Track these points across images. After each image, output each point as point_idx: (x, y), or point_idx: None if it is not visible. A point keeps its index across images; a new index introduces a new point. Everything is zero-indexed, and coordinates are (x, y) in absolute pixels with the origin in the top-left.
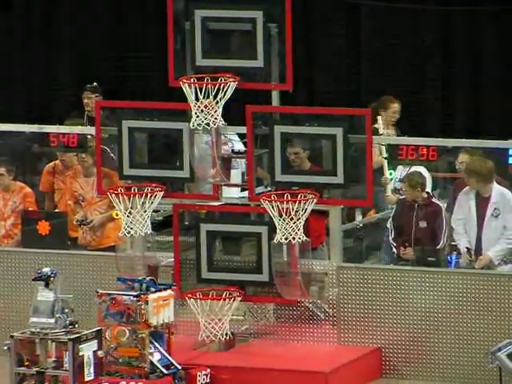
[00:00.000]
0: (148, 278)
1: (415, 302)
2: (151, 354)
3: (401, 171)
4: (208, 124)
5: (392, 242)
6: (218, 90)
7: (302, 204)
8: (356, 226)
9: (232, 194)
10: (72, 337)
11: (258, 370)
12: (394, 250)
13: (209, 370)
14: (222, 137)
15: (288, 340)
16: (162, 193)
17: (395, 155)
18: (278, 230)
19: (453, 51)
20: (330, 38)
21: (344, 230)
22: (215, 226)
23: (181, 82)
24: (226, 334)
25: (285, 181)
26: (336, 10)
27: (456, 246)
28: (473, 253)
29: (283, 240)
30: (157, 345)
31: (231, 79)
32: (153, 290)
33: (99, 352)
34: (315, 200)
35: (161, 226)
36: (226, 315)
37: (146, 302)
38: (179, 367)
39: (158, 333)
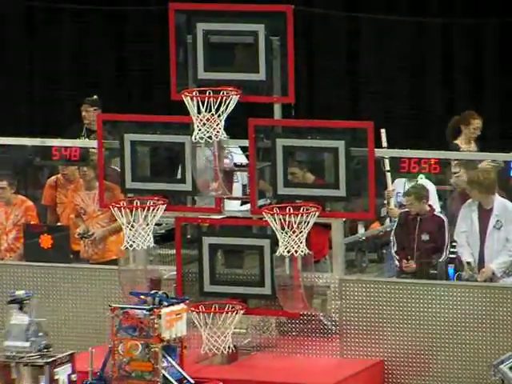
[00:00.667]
0: (160, 292)
1: (418, 315)
2: (164, 368)
3: (402, 185)
4: (210, 137)
5: (394, 254)
6: (220, 103)
7: (304, 217)
8: (359, 239)
9: (232, 207)
10: (48, 360)
11: (262, 383)
12: (397, 262)
13: None
14: (225, 150)
15: (291, 353)
16: (164, 206)
17: (397, 168)
18: (280, 243)
19: None
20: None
21: (346, 242)
22: (217, 239)
23: (183, 96)
24: (229, 347)
25: (287, 194)
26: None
27: (453, 258)
28: (473, 266)
29: (285, 253)
30: (170, 359)
31: (233, 92)
32: (165, 303)
33: (73, 375)
34: (317, 213)
35: (163, 239)
36: (228, 328)
37: (159, 316)
38: (192, 381)
39: (170, 347)
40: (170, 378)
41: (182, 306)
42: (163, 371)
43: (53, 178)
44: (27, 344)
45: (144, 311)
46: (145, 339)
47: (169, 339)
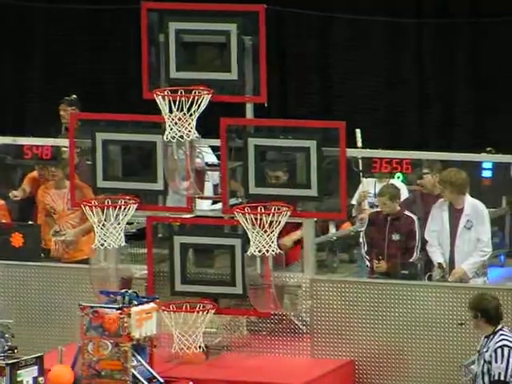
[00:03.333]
0: (131, 291)
1: (388, 315)
2: (134, 367)
3: (372, 185)
4: (182, 137)
5: (365, 255)
6: (192, 102)
7: (275, 216)
8: (330, 239)
9: (203, 206)
10: (9, 362)
11: (233, 382)
12: (368, 263)
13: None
14: (196, 150)
15: (261, 353)
16: (135, 205)
17: (369, 168)
18: (251, 243)
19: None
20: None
21: (318, 242)
22: (189, 238)
23: (155, 95)
24: (200, 347)
25: (259, 193)
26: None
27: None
28: (444, 266)
29: (257, 252)
30: (139, 358)
31: (205, 92)
32: (135, 302)
33: (40, 378)
34: (289, 212)
35: (135, 238)
36: (199, 328)
37: (129, 315)
38: (162, 380)
39: (140, 346)
40: (139, 377)
41: (151, 305)
42: (133, 370)
43: (34, 172)
44: None
45: (114, 310)
46: (114, 338)
47: (138, 338)
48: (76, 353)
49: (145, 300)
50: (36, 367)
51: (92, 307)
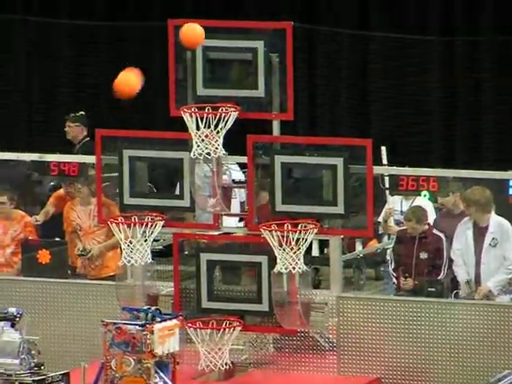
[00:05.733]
0: (153, 308)
1: (415, 333)
2: (156, 383)
3: (399, 202)
4: (209, 154)
5: (392, 272)
6: (219, 119)
7: (302, 234)
8: (356, 256)
9: (230, 223)
10: (36, 378)
11: None
12: (394, 280)
13: None
14: (223, 167)
15: (287, 370)
16: (162, 222)
17: (396, 186)
18: (278, 260)
19: None
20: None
21: (344, 259)
22: (215, 255)
23: (182, 112)
24: (226, 364)
25: (285, 210)
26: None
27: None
28: (473, 284)
29: (283, 270)
30: (162, 375)
31: (232, 109)
32: (158, 319)
33: None
34: (315, 230)
35: (161, 255)
36: (225, 345)
37: (152, 332)
38: None
39: (163, 363)
40: None
41: (174, 321)
42: None
43: (60, 190)
44: (17, 361)
45: (137, 327)
46: (137, 355)
47: (161, 355)
48: (99, 369)
49: (168, 317)
50: None
51: (115, 324)
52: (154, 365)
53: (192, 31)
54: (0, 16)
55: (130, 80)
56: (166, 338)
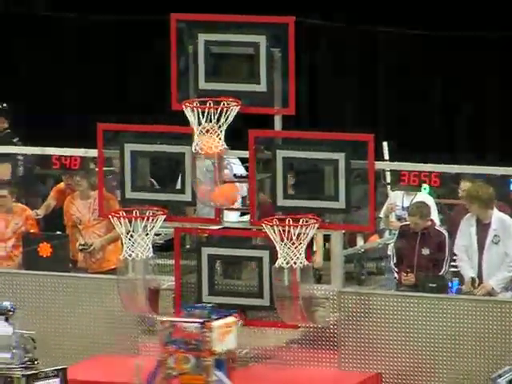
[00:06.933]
0: (210, 305)
1: (416, 328)
2: (214, 381)
3: (400, 198)
4: (210, 148)
5: (393, 267)
6: (221, 113)
7: (303, 229)
8: (358, 251)
9: (231, 217)
10: (26, 373)
11: None
12: (396, 275)
13: None
14: (224, 161)
15: (288, 364)
16: (163, 216)
17: (397, 181)
18: (279, 255)
19: None
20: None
21: (345, 254)
22: (216, 249)
23: (183, 106)
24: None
25: (287, 205)
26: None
27: (457, 272)
28: (477, 282)
29: (284, 264)
30: (220, 373)
31: (234, 103)
32: (215, 317)
33: None
34: (317, 225)
35: (162, 249)
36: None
37: (211, 330)
38: None
39: (220, 360)
40: None
41: (231, 318)
42: None
43: (61, 184)
44: (9, 355)
45: (195, 324)
46: (196, 352)
47: (220, 352)
48: (155, 366)
49: (224, 314)
50: (57, 380)
51: (172, 321)
52: (213, 362)
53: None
54: None
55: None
56: (224, 335)
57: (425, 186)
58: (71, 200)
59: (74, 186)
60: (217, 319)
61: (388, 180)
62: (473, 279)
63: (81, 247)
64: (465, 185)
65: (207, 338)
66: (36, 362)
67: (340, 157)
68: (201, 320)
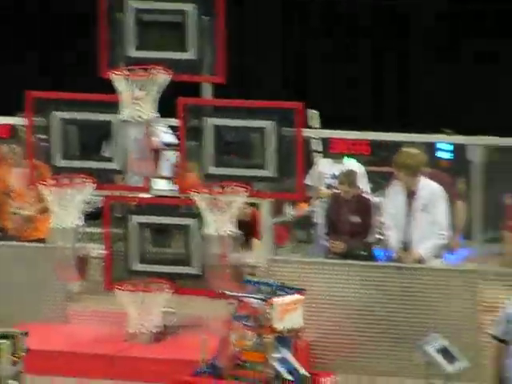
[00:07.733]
0: (278, 282)
1: (345, 296)
2: (277, 359)
3: (328, 165)
4: (140, 116)
5: (324, 235)
6: (150, 81)
7: (231, 196)
8: (287, 219)
9: (161, 186)
10: None
11: (189, 361)
12: (325, 243)
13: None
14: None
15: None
16: (93, 185)
17: (327, 149)
18: (208, 223)
19: None
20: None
21: (274, 222)
22: (145, 217)
23: (112, 74)
24: (157, 326)
25: (216, 174)
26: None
27: (384, 240)
28: (405, 250)
29: (213, 232)
30: (283, 350)
31: (163, 71)
32: (281, 293)
33: None
34: (246, 193)
35: (92, 217)
36: (156, 307)
37: (271, 307)
38: (305, 373)
39: (284, 338)
40: (280, 369)
41: (297, 296)
42: (275, 363)
43: None
44: None
45: (258, 300)
46: (258, 329)
47: (282, 330)
48: (220, 343)
49: (290, 291)
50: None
51: (237, 296)
52: (275, 340)
53: None
54: None
55: None
56: (286, 313)
57: (345, 157)
58: (4, 168)
59: (6, 155)
60: (281, 296)
61: (317, 147)
62: (401, 247)
63: (14, 211)
64: None
65: (268, 314)
66: None
67: (267, 125)
68: (263, 296)
